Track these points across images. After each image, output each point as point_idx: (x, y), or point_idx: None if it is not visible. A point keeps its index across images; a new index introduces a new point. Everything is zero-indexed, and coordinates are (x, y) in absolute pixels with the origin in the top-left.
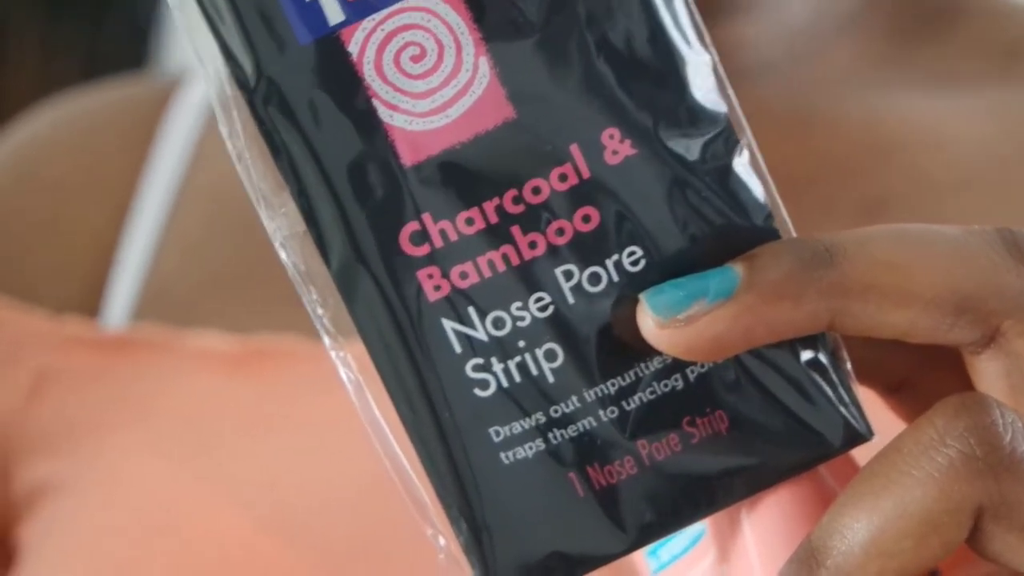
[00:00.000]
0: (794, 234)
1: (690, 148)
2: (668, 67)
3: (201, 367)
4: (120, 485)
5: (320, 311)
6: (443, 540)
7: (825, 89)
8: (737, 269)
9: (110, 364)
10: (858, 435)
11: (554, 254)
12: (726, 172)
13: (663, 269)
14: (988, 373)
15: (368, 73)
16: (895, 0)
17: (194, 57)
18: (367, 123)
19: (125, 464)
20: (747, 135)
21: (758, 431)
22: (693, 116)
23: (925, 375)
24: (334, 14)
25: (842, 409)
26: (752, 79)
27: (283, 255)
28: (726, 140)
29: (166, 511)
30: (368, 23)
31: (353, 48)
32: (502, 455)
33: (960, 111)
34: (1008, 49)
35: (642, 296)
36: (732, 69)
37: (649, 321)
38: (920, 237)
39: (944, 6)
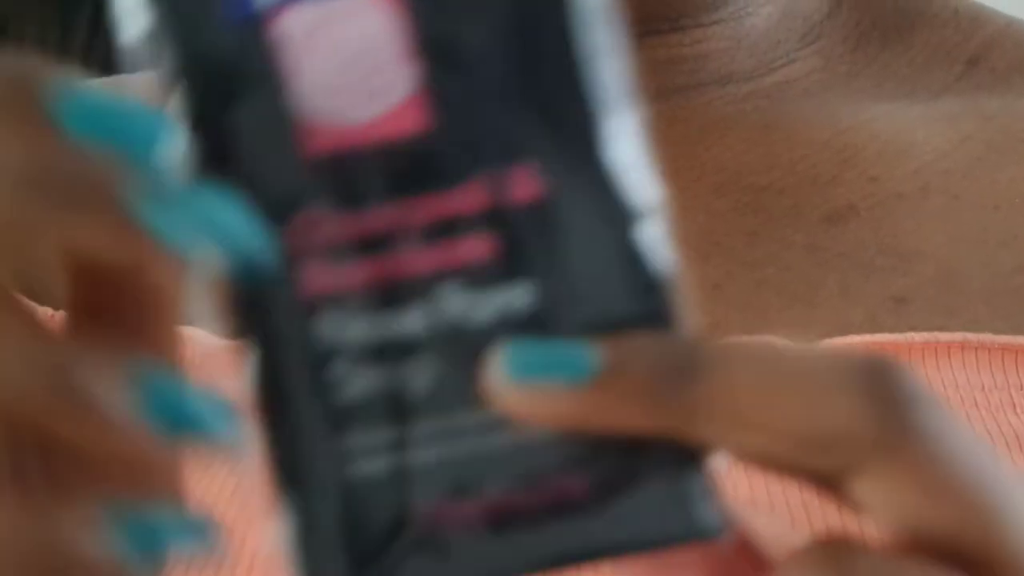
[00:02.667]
0: (690, 310)
1: (599, 205)
2: (586, 118)
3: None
4: None
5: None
6: (270, 535)
7: (790, 98)
8: (597, 357)
9: None
10: (704, 531)
11: (442, 273)
12: (628, 237)
13: (547, 317)
14: (862, 496)
15: (289, 58)
16: (858, 9)
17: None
18: (279, 107)
19: None
20: (660, 201)
21: (607, 506)
22: (607, 172)
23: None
24: None
25: (693, 503)
26: (717, 89)
27: None
28: (638, 202)
29: None
30: (299, 7)
31: (278, 30)
32: (350, 465)
33: (922, 119)
34: (969, 57)
35: (499, 345)
36: (696, 80)
37: (496, 374)
38: (782, 367)
39: (906, 15)
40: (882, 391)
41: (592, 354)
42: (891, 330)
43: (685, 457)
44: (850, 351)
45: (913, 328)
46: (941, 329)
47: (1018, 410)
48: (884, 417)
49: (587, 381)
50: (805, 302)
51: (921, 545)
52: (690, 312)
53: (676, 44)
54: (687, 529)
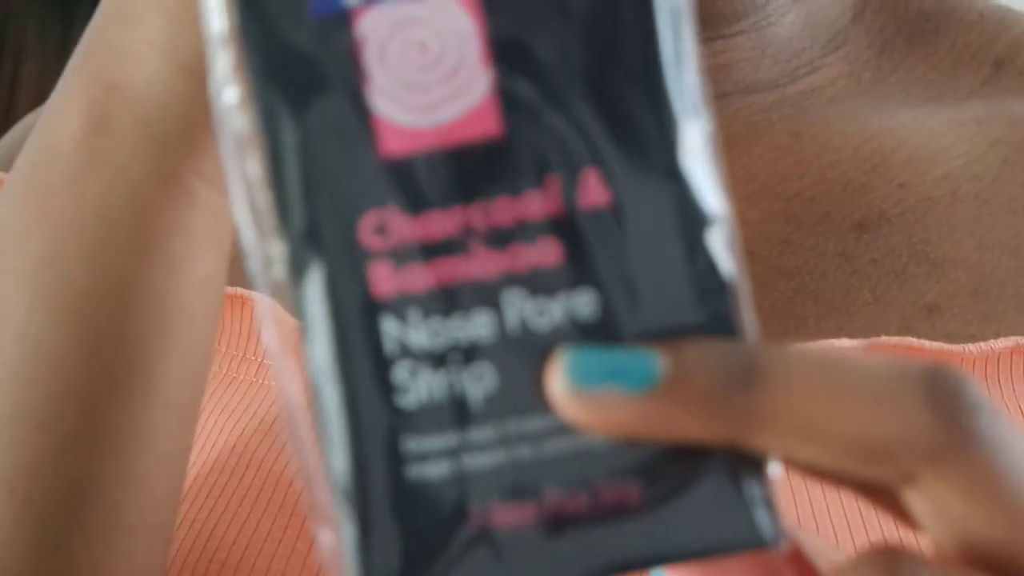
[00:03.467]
0: (752, 317)
1: (667, 210)
2: (663, 127)
3: None
4: None
5: (264, 285)
6: (327, 537)
7: (816, 106)
8: (660, 363)
9: None
10: (761, 539)
11: (507, 278)
12: (698, 243)
13: (610, 323)
14: (913, 507)
15: (369, 58)
16: (881, 15)
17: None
18: (355, 105)
19: None
20: (727, 209)
21: (665, 511)
22: (677, 182)
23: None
24: None
25: (751, 510)
26: (745, 98)
27: (242, 218)
28: (705, 210)
29: None
30: (383, 8)
31: (360, 31)
32: (408, 468)
33: (948, 125)
34: (996, 59)
35: (561, 352)
36: (725, 88)
37: (559, 382)
38: (845, 375)
39: (931, 19)
40: (942, 400)
41: (654, 362)
42: (925, 338)
43: (744, 464)
44: (911, 359)
45: (948, 334)
46: (974, 337)
47: None
48: (942, 427)
49: (648, 390)
50: (840, 310)
51: (975, 559)
52: (752, 319)
53: (703, 54)
54: (745, 537)
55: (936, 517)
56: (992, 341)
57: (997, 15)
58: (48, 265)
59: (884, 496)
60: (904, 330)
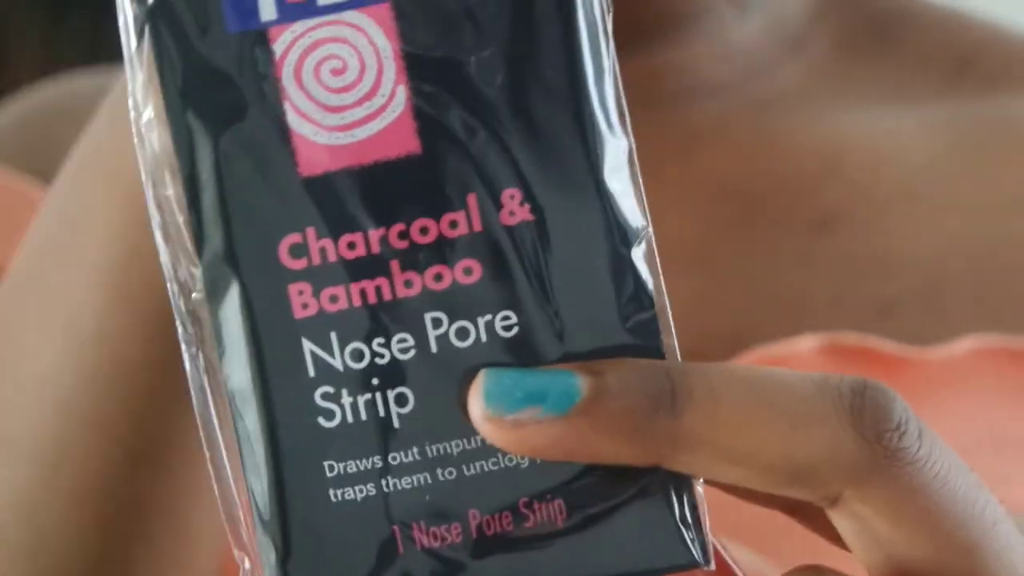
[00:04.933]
0: (674, 333)
1: (589, 229)
2: (584, 145)
3: None
4: None
5: (181, 303)
6: (248, 563)
7: (776, 107)
8: (580, 385)
9: None
10: (691, 559)
11: (427, 299)
12: (621, 260)
13: (532, 343)
14: (840, 527)
15: (286, 75)
16: (842, 16)
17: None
18: (273, 124)
19: None
20: (649, 227)
21: (592, 533)
22: (599, 199)
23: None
24: (268, 11)
25: (680, 530)
26: (702, 99)
27: (159, 240)
28: (627, 228)
29: None
30: (299, 27)
31: (277, 48)
32: (331, 491)
33: (908, 125)
34: (955, 62)
35: (480, 374)
36: (682, 90)
37: (478, 406)
38: (769, 395)
39: (891, 21)
40: (867, 419)
41: (574, 384)
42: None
43: (672, 482)
44: (838, 375)
45: (902, 335)
46: (927, 338)
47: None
48: (867, 447)
49: (569, 413)
50: (795, 310)
51: None
52: (673, 339)
53: (660, 54)
54: (674, 557)
55: (862, 538)
56: (951, 344)
57: (957, 17)
58: (135, 263)
59: (813, 515)
60: (858, 329)
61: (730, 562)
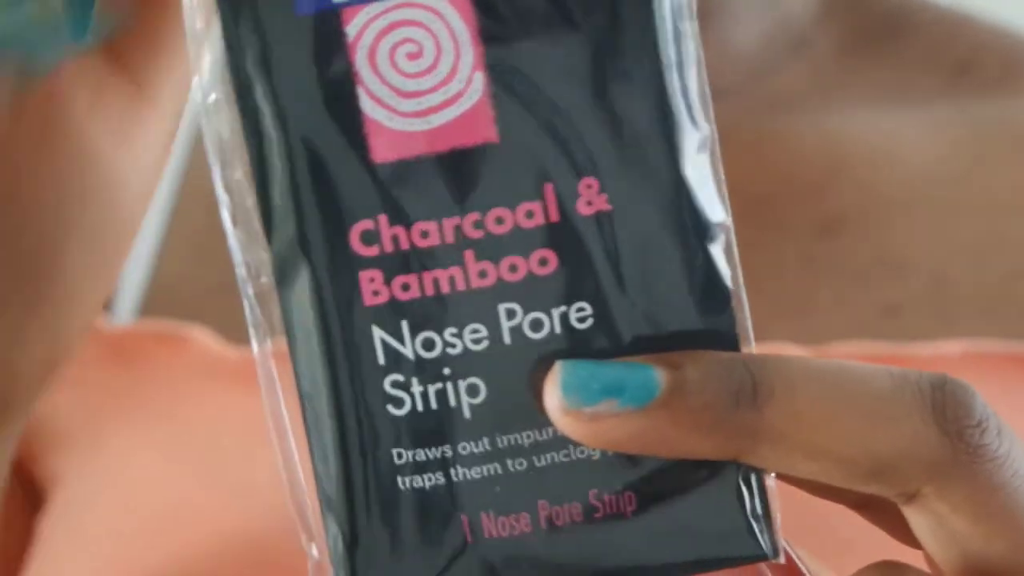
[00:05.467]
0: (750, 327)
1: (667, 220)
2: (664, 134)
3: (207, 370)
4: (122, 482)
5: (251, 292)
6: (315, 550)
7: (779, 109)
8: (659, 378)
9: (116, 358)
10: (760, 551)
11: (502, 289)
12: (698, 253)
13: (607, 334)
14: (915, 524)
15: (360, 59)
16: (846, 18)
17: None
18: (346, 108)
19: (128, 461)
20: (728, 219)
21: (661, 523)
22: (678, 190)
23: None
24: None
25: (750, 522)
26: None
27: (227, 222)
28: (706, 220)
29: (169, 510)
30: (373, 8)
31: (351, 30)
32: (399, 479)
33: (911, 127)
34: (958, 63)
35: (557, 365)
36: None
37: (555, 399)
38: (848, 389)
39: (894, 22)
40: (948, 414)
41: (653, 377)
42: (883, 339)
43: (743, 476)
44: (917, 371)
45: (907, 337)
46: (934, 337)
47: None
48: (949, 443)
49: (648, 406)
50: (798, 312)
51: None
52: (749, 331)
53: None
54: (744, 549)
55: (937, 534)
56: (941, 343)
57: (959, 18)
58: None
59: (883, 512)
60: (862, 332)
61: (796, 559)
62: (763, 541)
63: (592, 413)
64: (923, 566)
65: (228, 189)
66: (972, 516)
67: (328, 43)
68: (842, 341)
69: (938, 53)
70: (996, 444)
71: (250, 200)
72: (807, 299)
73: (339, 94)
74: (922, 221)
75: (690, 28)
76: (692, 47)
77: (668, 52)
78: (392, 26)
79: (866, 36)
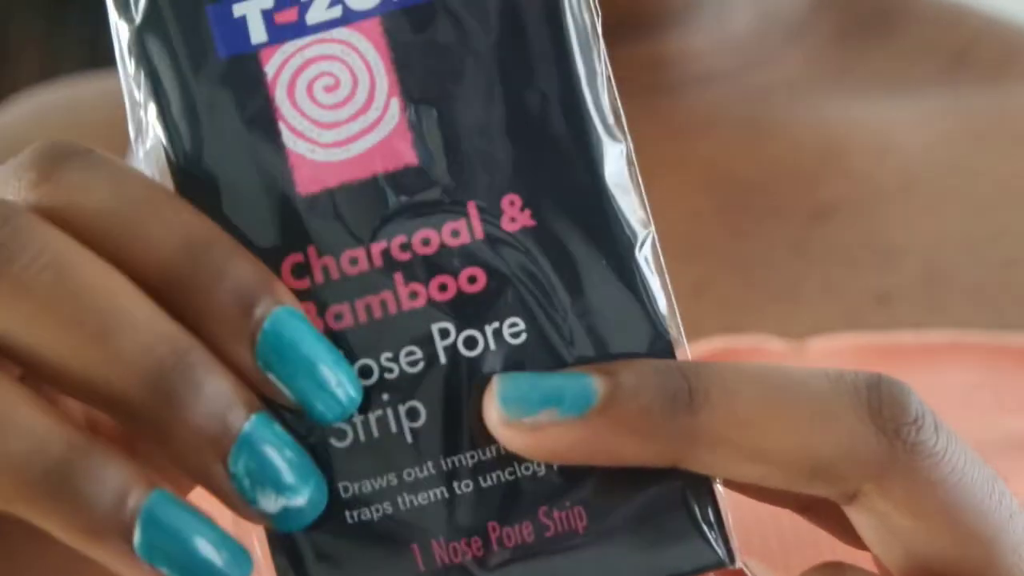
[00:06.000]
0: (683, 334)
1: (591, 232)
2: (583, 147)
3: None
4: None
5: None
6: None
7: (774, 96)
8: (596, 386)
9: None
10: (716, 558)
11: (433, 309)
12: (625, 263)
13: (541, 348)
14: (858, 524)
15: (279, 96)
16: (841, 6)
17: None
18: (269, 144)
19: None
20: (652, 227)
21: (613, 536)
22: (600, 201)
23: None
24: (257, 34)
25: (703, 529)
26: (699, 88)
27: None
28: (630, 229)
29: None
30: (289, 47)
31: (269, 69)
32: (347, 513)
33: (906, 115)
34: (954, 53)
35: (495, 379)
36: (680, 79)
37: (495, 412)
38: (786, 391)
39: (890, 11)
40: (885, 413)
41: (589, 385)
42: (875, 328)
43: (692, 482)
44: (852, 370)
45: (898, 325)
46: (925, 326)
47: (1006, 410)
48: (887, 441)
49: (586, 415)
50: (788, 300)
51: (921, 575)
52: (683, 335)
53: (658, 43)
54: (699, 558)
55: (880, 533)
56: (927, 332)
57: (955, 7)
58: None
59: (828, 514)
60: (852, 320)
61: (744, 567)
62: (718, 548)
63: (533, 423)
64: (870, 567)
65: None
66: (913, 513)
67: (247, 84)
68: (827, 334)
69: (934, 42)
70: (933, 441)
71: None
72: (798, 286)
73: (262, 132)
74: (915, 209)
75: (595, 44)
76: (600, 62)
77: (578, 69)
78: (308, 62)
79: (862, 24)
